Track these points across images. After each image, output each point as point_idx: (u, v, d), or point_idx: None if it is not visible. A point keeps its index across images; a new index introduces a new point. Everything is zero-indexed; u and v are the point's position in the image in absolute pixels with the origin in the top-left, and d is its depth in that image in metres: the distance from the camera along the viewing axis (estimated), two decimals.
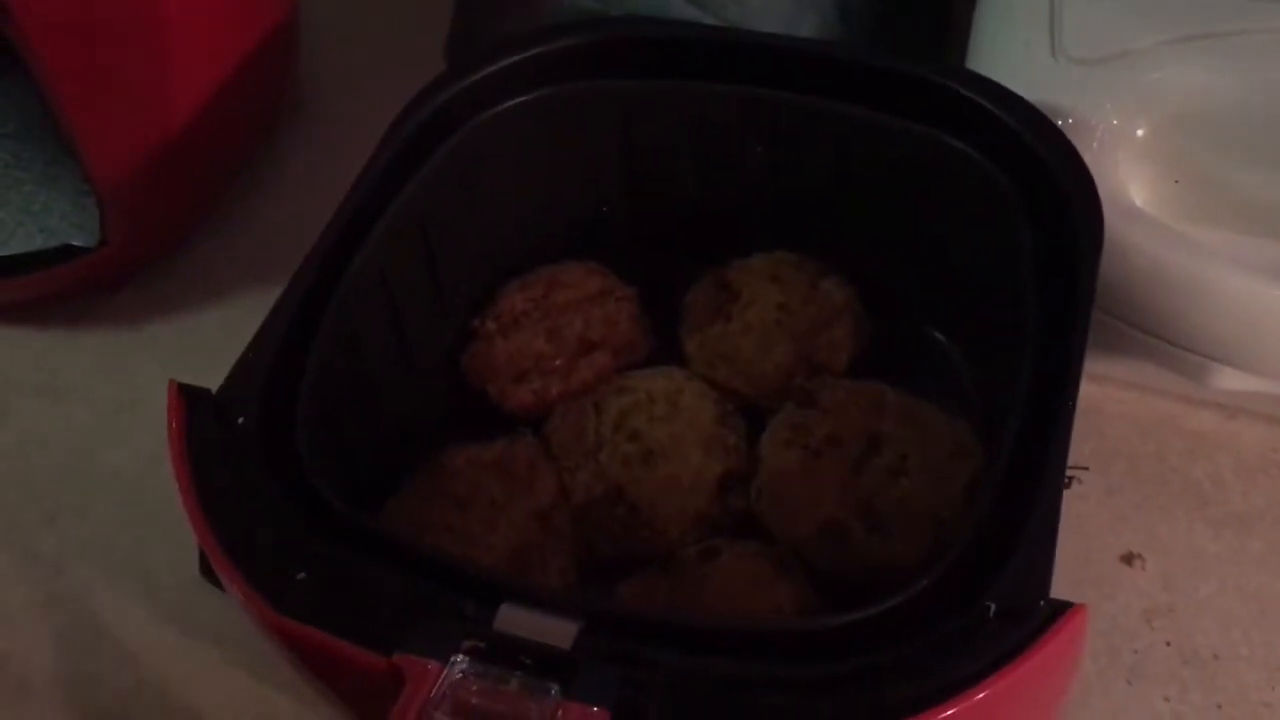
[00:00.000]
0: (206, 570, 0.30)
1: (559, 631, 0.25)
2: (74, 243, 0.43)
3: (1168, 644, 0.35)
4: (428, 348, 0.38)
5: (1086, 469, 0.39)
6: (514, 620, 0.25)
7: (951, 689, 0.24)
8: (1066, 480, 0.37)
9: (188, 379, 0.43)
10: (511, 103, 0.37)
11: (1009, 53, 0.38)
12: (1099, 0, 0.37)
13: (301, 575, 0.26)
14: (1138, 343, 0.36)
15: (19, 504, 0.41)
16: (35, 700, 0.36)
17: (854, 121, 0.36)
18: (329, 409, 0.31)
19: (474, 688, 0.24)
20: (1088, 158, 0.35)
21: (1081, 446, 0.39)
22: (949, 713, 0.23)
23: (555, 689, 0.24)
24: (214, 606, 0.36)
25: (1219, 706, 0.34)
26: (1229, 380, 0.35)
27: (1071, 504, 0.37)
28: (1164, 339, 0.35)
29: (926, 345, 0.39)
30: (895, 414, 0.35)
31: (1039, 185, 0.33)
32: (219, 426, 0.29)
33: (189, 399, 0.29)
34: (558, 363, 0.38)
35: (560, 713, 0.23)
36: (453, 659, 0.24)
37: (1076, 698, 0.34)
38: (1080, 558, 0.37)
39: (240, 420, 0.29)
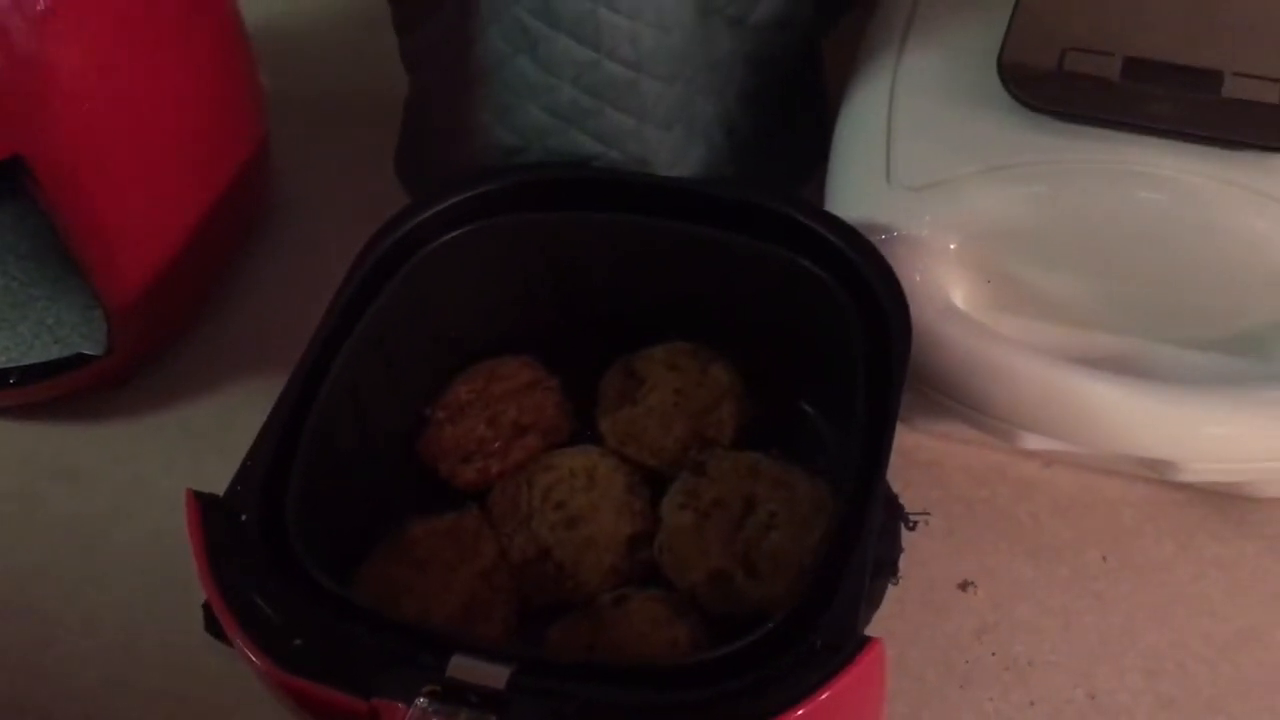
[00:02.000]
0: (211, 628, 0.38)
1: (496, 675, 0.33)
2: (85, 351, 0.51)
3: (993, 654, 0.44)
4: (389, 437, 0.46)
5: (929, 514, 0.47)
6: (461, 668, 0.33)
7: (780, 708, 0.32)
8: (912, 523, 0.46)
9: (186, 461, 0.52)
10: (453, 234, 0.46)
11: (855, 180, 0.47)
12: (921, 140, 0.46)
13: (298, 641, 0.34)
14: (962, 413, 0.45)
15: (48, 577, 0.48)
16: None
17: (729, 246, 0.45)
18: (312, 498, 0.39)
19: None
20: (915, 265, 0.44)
21: (928, 493, 0.48)
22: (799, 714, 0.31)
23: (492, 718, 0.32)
24: (220, 656, 0.44)
25: (1031, 704, 0.43)
26: (1034, 443, 0.44)
27: (919, 542, 0.46)
28: (978, 411, 0.44)
29: (799, 417, 0.48)
30: (768, 478, 0.44)
31: (863, 292, 0.42)
32: (227, 524, 0.36)
33: (203, 503, 0.37)
34: (496, 445, 0.46)
35: None
36: (416, 700, 0.32)
37: (916, 703, 0.43)
38: (925, 586, 0.46)
39: (243, 518, 0.37)
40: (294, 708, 0.34)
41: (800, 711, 0.32)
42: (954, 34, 0.49)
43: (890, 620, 0.44)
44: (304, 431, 0.40)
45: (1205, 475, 0.43)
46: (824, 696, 0.32)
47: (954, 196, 0.45)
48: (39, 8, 0.43)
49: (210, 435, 0.53)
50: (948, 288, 0.45)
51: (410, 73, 0.57)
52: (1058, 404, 0.42)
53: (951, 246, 0.45)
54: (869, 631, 0.42)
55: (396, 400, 0.46)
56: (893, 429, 0.38)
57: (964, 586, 0.46)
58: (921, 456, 0.49)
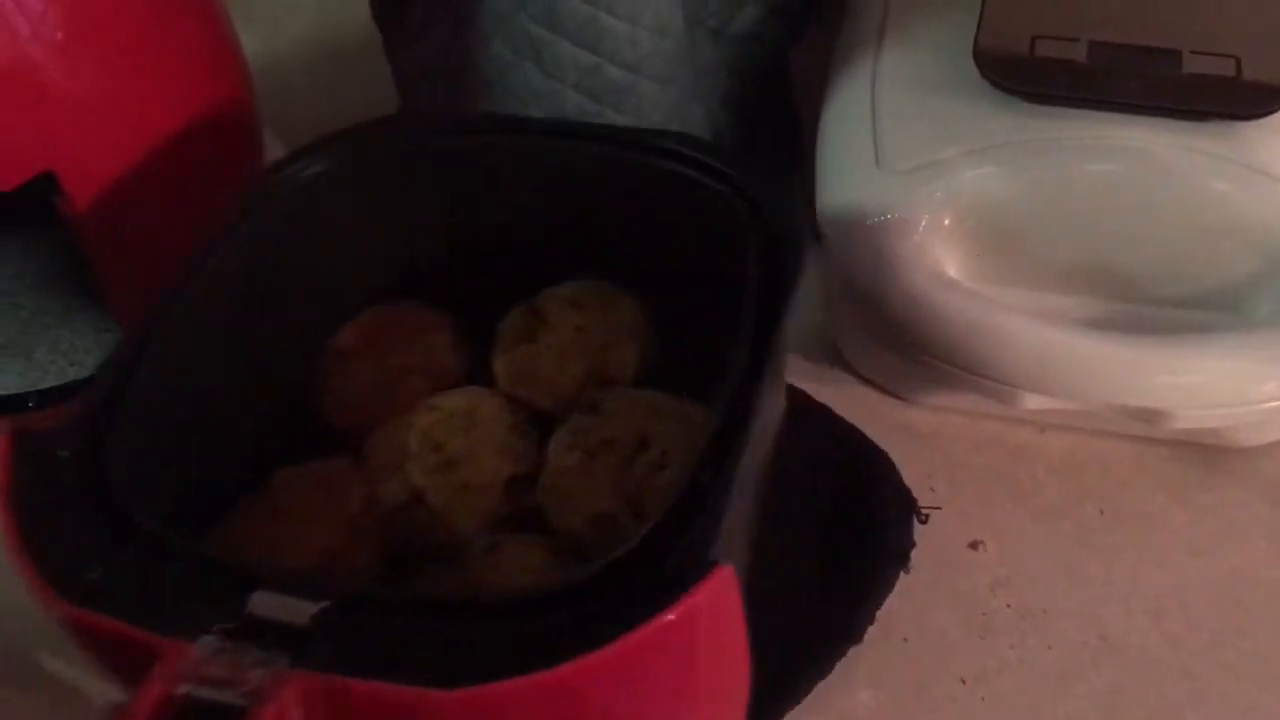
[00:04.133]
0: None
1: (299, 610, 0.29)
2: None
3: (1008, 606, 0.46)
4: (275, 383, 0.43)
5: (939, 507, 0.49)
6: (264, 603, 0.29)
7: (606, 639, 0.28)
8: (924, 517, 0.48)
9: None
10: (327, 169, 0.43)
11: (845, 167, 0.50)
12: (907, 126, 0.49)
13: (94, 574, 0.30)
14: (962, 379, 0.47)
15: None
16: None
17: (630, 166, 0.43)
18: (164, 441, 0.36)
19: (216, 661, 0.28)
20: (910, 242, 0.47)
21: (929, 462, 0.50)
22: (616, 649, 0.28)
23: (284, 659, 0.28)
24: None
25: (1049, 648, 0.45)
26: (1033, 402, 0.47)
27: (933, 514, 0.48)
28: (979, 375, 0.46)
29: (711, 354, 0.45)
30: (667, 416, 0.41)
31: (757, 213, 0.40)
32: (43, 460, 0.33)
33: (16, 435, 0.33)
34: (383, 390, 0.43)
35: (279, 678, 0.27)
36: (202, 638, 0.28)
37: (943, 655, 0.45)
38: (938, 547, 0.48)
39: (62, 454, 0.33)
40: (79, 643, 0.31)
41: (630, 640, 0.28)
42: (928, 28, 0.52)
43: (909, 581, 0.46)
44: (143, 373, 0.36)
45: (1194, 421, 0.45)
46: (662, 622, 0.29)
47: (941, 177, 0.48)
48: (58, 37, 0.45)
49: None
50: (942, 262, 0.48)
51: (404, 95, 0.59)
52: (1055, 362, 0.45)
53: (945, 223, 0.48)
54: (883, 616, 0.44)
55: (279, 347, 0.44)
56: (777, 352, 0.36)
57: (974, 546, 0.48)
58: (921, 429, 0.52)
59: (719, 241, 0.40)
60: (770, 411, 0.37)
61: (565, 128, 0.46)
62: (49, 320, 0.54)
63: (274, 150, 0.60)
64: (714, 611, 0.30)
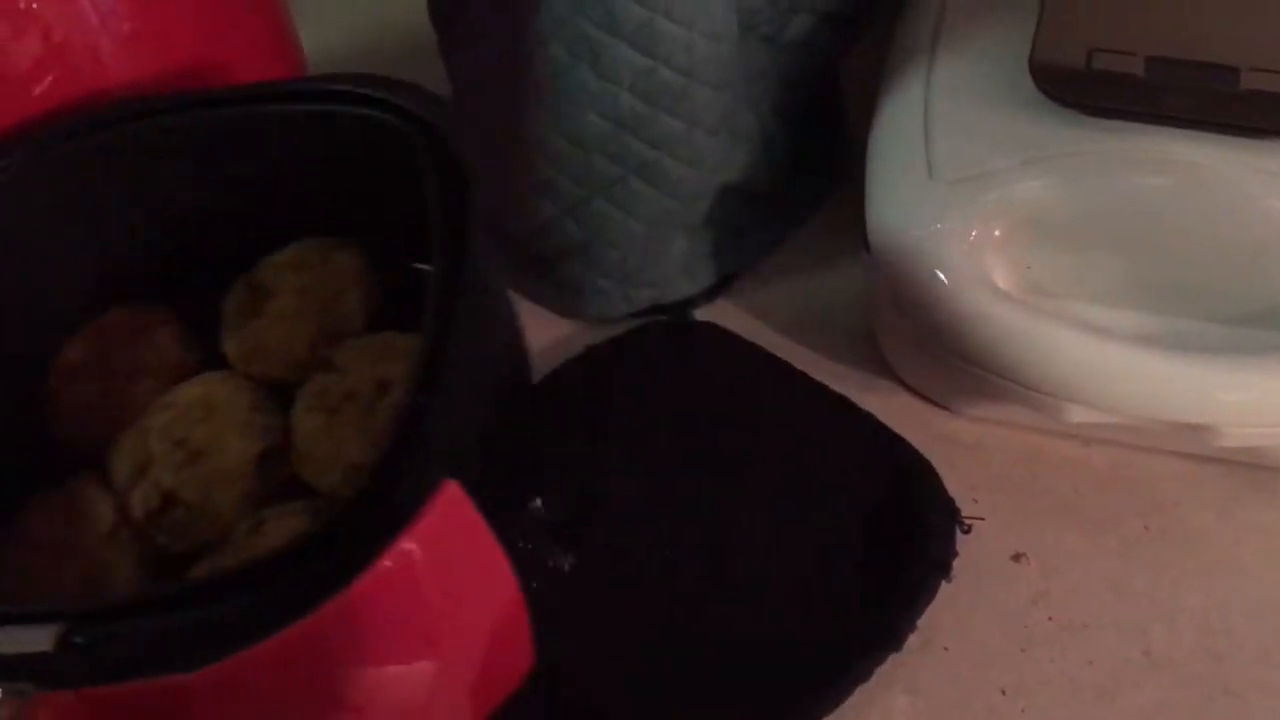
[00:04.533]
0: None
1: (39, 638, 0.29)
2: None
3: (1050, 619, 0.46)
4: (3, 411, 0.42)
5: (982, 519, 0.49)
6: (4, 640, 0.29)
7: (350, 577, 0.29)
8: (967, 527, 0.48)
9: None
10: (14, 180, 0.42)
11: (896, 177, 0.50)
12: (959, 136, 0.49)
13: None
14: (1009, 390, 0.47)
15: None
16: None
17: (303, 118, 0.42)
18: None
19: None
20: (960, 252, 0.47)
21: (972, 473, 0.50)
22: (351, 594, 0.29)
23: (29, 687, 0.28)
24: None
25: (1090, 663, 0.45)
26: (1079, 415, 0.47)
27: (975, 525, 0.48)
28: (1027, 387, 0.46)
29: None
30: (401, 355, 0.41)
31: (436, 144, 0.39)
32: None
33: None
34: (115, 398, 0.42)
35: (30, 705, 0.28)
36: None
37: (982, 665, 0.45)
38: (980, 558, 0.48)
39: None
40: None
41: (365, 581, 0.29)
42: (982, 39, 0.52)
43: (950, 590, 0.46)
44: None
45: (1242, 439, 0.45)
46: (397, 551, 0.29)
47: (993, 188, 0.48)
48: (125, 29, 0.45)
49: None
50: (992, 274, 0.48)
51: (458, 96, 0.59)
52: (1104, 375, 0.45)
53: (996, 234, 0.48)
54: (924, 625, 0.44)
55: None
56: (472, 269, 0.35)
57: (1016, 558, 0.48)
58: (964, 440, 0.52)
59: (404, 174, 0.39)
60: (479, 328, 0.36)
61: (234, 95, 0.43)
62: None
63: None
64: (449, 527, 0.31)
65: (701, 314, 0.58)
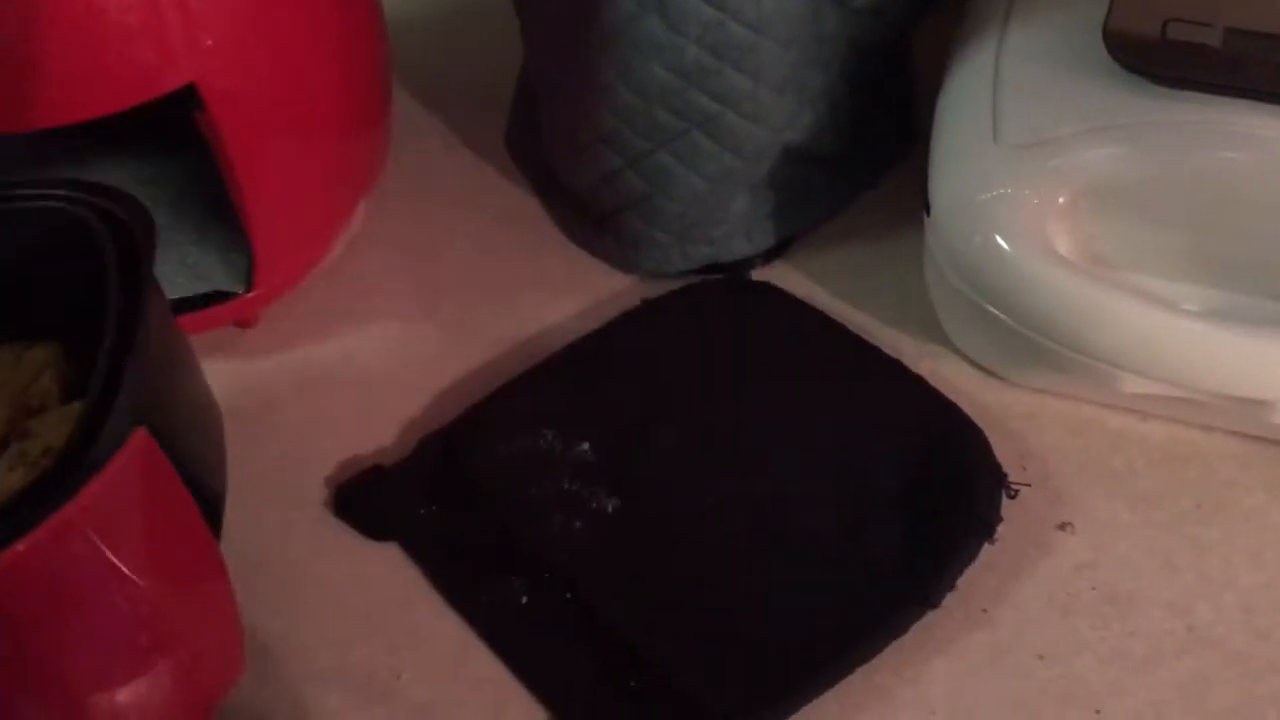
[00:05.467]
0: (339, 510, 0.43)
1: None
2: (224, 289, 0.54)
3: (1093, 589, 0.46)
4: None
5: (1029, 485, 0.48)
6: None
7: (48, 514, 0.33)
8: (1013, 492, 0.48)
9: (309, 394, 0.55)
10: None
11: (963, 141, 0.50)
12: (1028, 102, 0.49)
13: None
14: (1066, 359, 0.47)
15: None
16: None
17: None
18: None
19: None
20: (1023, 218, 0.47)
21: (1023, 443, 0.50)
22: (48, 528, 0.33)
23: None
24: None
25: (1131, 634, 0.44)
26: (1134, 385, 0.46)
27: (1022, 491, 0.48)
28: (1085, 354, 0.46)
29: None
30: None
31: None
32: None
33: None
34: None
35: None
36: None
37: (1018, 628, 0.45)
38: (1026, 525, 0.47)
39: None
40: None
41: (61, 516, 0.33)
42: (1056, 7, 0.51)
43: (992, 555, 0.46)
44: None
45: None
46: (94, 485, 0.33)
47: (1061, 154, 0.47)
48: None
49: (326, 369, 0.56)
50: (1054, 240, 0.47)
51: (528, 45, 0.60)
52: (1163, 345, 0.44)
53: (1060, 200, 0.47)
54: (964, 586, 0.45)
55: None
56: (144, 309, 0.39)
57: (1063, 527, 0.48)
58: (1017, 409, 0.51)
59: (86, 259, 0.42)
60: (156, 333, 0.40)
61: None
62: (180, 238, 0.56)
63: (399, 100, 0.63)
64: (142, 462, 0.35)
65: (757, 275, 0.58)
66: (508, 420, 0.51)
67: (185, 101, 0.47)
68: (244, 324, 0.57)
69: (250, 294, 0.54)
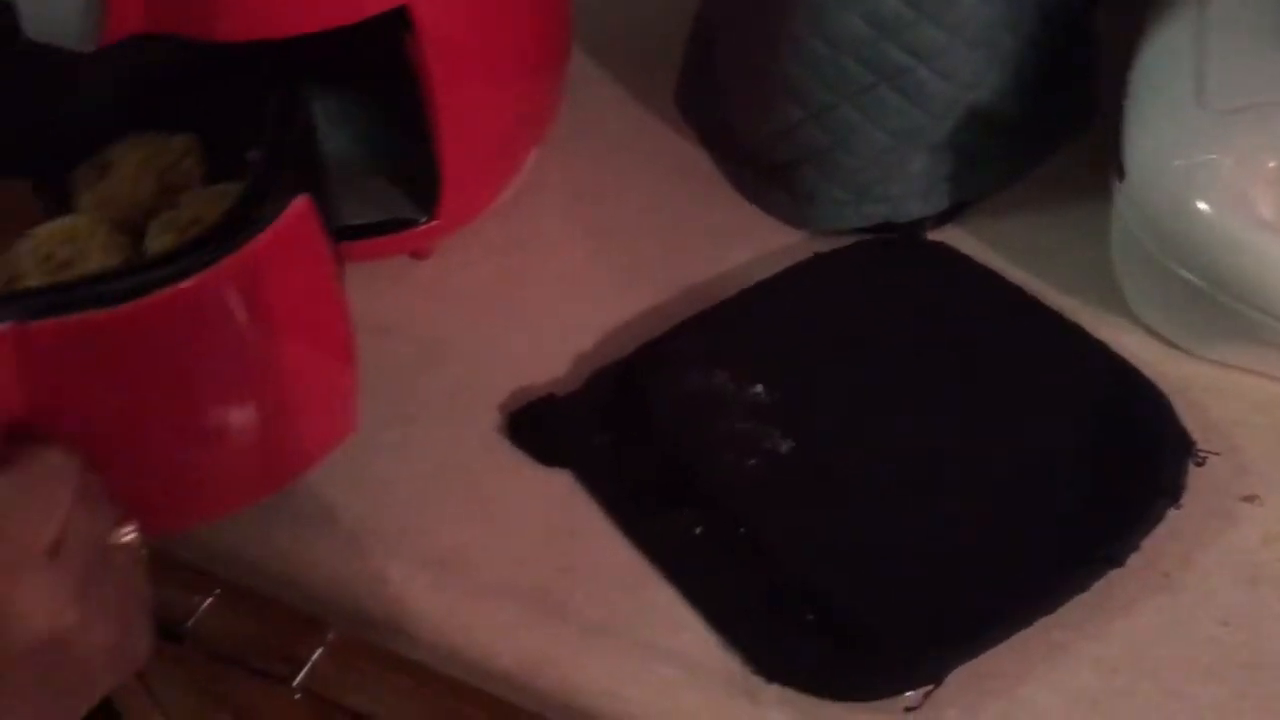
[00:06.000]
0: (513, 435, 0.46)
1: None
2: (406, 216, 0.56)
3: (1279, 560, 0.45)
4: None
5: (1218, 454, 0.47)
6: None
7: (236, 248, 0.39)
8: (1200, 458, 0.47)
9: (482, 325, 0.56)
10: None
11: (1163, 104, 0.49)
12: (1236, 65, 0.48)
13: None
14: (1264, 326, 0.46)
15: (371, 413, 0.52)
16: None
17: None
18: None
19: None
20: (1227, 183, 0.46)
21: (1207, 415, 0.49)
22: (239, 258, 0.38)
23: None
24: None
25: None
26: None
27: (1211, 460, 0.47)
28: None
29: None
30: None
31: None
32: None
33: None
34: None
35: None
36: None
37: (1200, 598, 0.44)
38: (1211, 494, 0.46)
39: None
40: None
41: (248, 251, 0.38)
42: None
43: (1177, 521, 0.45)
44: None
45: None
46: (272, 231, 0.39)
47: (1269, 120, 0.46)
48: None
49: (504, 305, 0.57)
50: (1258, 206, 0.46)
51: None
52: None
53: (1269, 165, 0.46)
54: (1147, 549, 0.44)
55: None
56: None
57: (1249, 499, 0.47)
58: (1202, 382, 0.50)
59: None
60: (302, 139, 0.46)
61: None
62: (362, 166, 0.58)
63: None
64: (301, 224, 0.40)
65: (930, 237, 0.57)
66: (682, 358, 0.51)
67: (395, 24, 0.48)
68: (420, 255, 0.58)
69: (430, 224, 0.56)
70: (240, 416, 0.42)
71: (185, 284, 0.38)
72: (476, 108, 0.52)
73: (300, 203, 0.40)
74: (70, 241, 0.48)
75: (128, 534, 0.38)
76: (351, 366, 0.45)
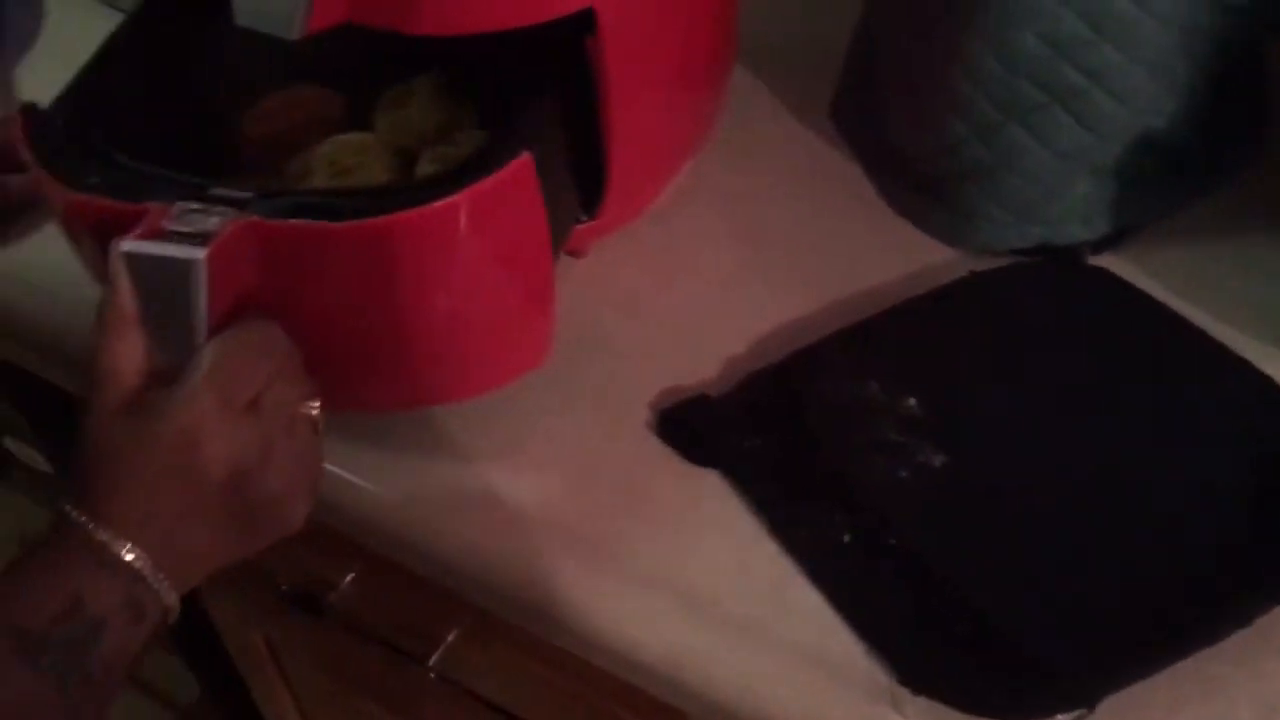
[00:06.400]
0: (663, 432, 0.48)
1: (243, 193, 0.42)
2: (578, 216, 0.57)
3: None
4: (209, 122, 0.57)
5: None
6: (219, 192, 0.42)
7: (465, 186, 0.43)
8: None
9: (634, 324, 0.56)
10: None
11: None
12: None
13: (93, 179, 0.43)
14: None
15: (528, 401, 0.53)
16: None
17: None
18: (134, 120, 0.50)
19: (188, 219, 0.41)
20: None
21: None
22: (464, 195, 0.43)
23: (228, 210, 0.41)
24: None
25: None
26: None
27: None
28: None
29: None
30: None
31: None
32: (46, 123, 0.46)
33: (30, 115, 0.46)
34: (289, 137, 0.56)
35: (226, 222, 0.41)
36: (177, 204, 0.41)
37: None
38: None
39: (59, 122, 0.46)
40: (91, 231, 0.43)
41: (473, 190, 0.43)
42: None
43: None
44: (109, 82, 0.49)
45: None
46: (497, 176, 0.44)
47: None
48: None
49: (656, 306, 0.58)
50: None
51: (875, 8, 0.61)
52: None
53: None
54: None
55: (213, 93, 0.57)
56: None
57: None
58: None
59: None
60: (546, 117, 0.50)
61: None
62: None
63: None
64: (521, 177, 0.45)
65: (1089, 263, 0.57)
66: (836, 366, 0.51)
67: (579, 25, 0.49)
68: (577, 253, 0.60)
69: (590, 223, 0.57)
70: (447, 327, 0.46)
71: (408, 213, 0.43)
72: (647, 112, 0.53)
73: (523, 159, 0.45)
74: (359, 154, 0.55)
75: (314, 407, 0.43)
76: (550, 306, 0.50)
